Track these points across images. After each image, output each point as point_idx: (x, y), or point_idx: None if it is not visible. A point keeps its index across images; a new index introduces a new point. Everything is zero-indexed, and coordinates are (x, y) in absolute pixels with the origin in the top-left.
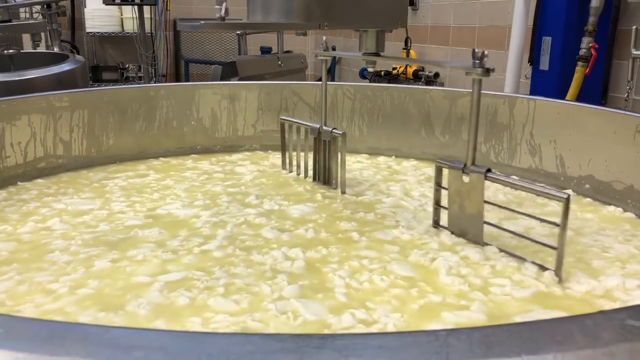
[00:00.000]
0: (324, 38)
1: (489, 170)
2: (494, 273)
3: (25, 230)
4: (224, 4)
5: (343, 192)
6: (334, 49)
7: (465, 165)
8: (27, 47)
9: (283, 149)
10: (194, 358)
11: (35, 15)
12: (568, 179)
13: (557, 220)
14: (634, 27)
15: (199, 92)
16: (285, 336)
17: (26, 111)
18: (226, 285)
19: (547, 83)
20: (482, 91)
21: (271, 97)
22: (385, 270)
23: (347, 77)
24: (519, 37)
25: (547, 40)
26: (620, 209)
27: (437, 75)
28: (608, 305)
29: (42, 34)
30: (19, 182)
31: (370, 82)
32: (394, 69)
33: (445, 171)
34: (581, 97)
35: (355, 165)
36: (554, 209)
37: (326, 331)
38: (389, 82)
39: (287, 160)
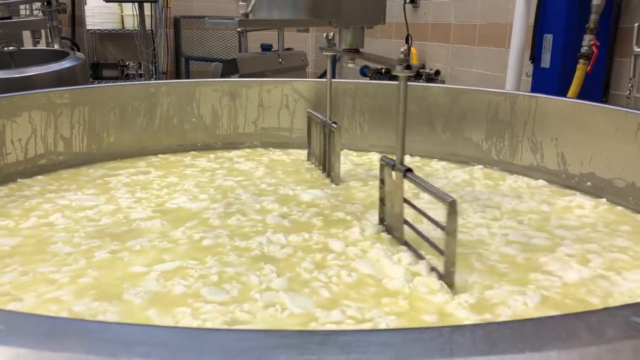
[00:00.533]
0: (332, 34)
1: (408, 170)
2: (389, 275)
3: (28, 225)
4: (252, 1)
5: (337, 184)
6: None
7: (394, 164)
8: (28, 44)
9: (309, 142)
10: (196, 354)
11: (35, 12)
12: (569, 176)
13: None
14: (636, 24)
15: (199, 89)
16: (288, 332)
17: (27, 108)
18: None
19: (548, 81)
20: (484, 89)
21: (272, 94)
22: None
23: (347, 75)
24: (520, 34)
25: (548, 38)
26: (621, 207)
27: (437, 73)
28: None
29: (43, 31)
30: (19, 179)
31: (370, 79)
32: None
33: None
34: (582, 95)
35: (356, 161)
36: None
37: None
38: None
39: (310, 152)
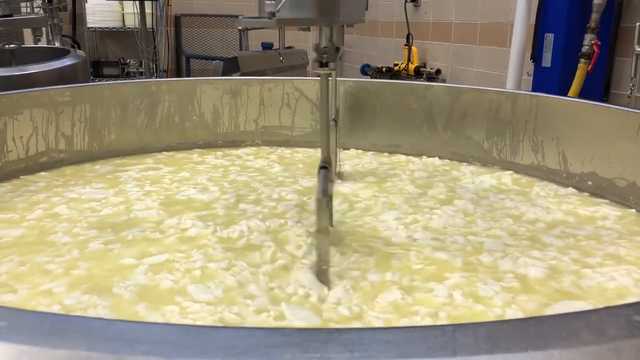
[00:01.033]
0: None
1: (323, 168)
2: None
3: (33, 216)
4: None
5: (332, 181)
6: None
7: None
8: (28, 42)
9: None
10: (200, 352)
11: (36, 10)
12: (570, 175)
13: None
14: (637, 23)
15: (200, 87)
16: (291, 330)
17: (28, 106)
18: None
19: (549, 80)
20: (485, 87)
21: (273, 92)
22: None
23: (347, 74)
24: (521, 33)
25: (549, 37)
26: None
27: (438, 72)
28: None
29: (43, 29)
30: (21, 176)
31: (371, 78)
32: (395, 65)
33: None
34: (583, 94)
35: (356, 160)
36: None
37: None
38: (390, 79)
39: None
